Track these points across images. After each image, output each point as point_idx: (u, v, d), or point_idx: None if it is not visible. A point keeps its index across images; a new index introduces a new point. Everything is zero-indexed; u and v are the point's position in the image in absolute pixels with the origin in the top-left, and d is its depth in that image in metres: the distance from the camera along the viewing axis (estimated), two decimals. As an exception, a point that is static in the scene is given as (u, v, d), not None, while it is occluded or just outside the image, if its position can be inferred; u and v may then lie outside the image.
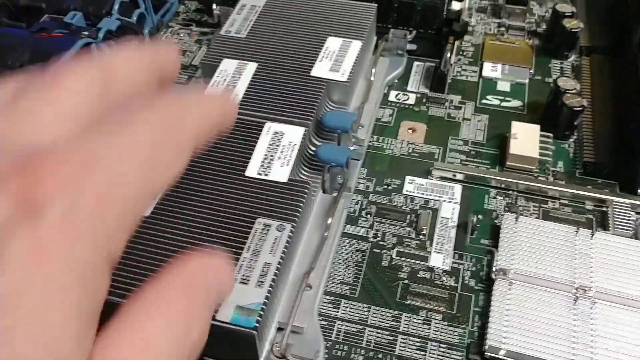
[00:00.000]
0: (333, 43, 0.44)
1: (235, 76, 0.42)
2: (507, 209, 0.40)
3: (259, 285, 0.31)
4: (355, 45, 0.44)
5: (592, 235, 0.37)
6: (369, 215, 0.40)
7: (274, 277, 0.31)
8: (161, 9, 0.55)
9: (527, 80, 0.49)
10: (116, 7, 0.48)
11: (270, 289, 0.31)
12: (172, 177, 0.21)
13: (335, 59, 0.43)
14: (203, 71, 0.44)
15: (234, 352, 0.31)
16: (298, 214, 0.34)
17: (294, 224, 0.33)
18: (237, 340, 0.30)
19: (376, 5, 0.48)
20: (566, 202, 0.41)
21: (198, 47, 0.53)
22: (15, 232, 0.16)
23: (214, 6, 0.52)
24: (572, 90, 0.43)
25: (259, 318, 0.30)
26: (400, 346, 0.34)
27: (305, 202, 0.35)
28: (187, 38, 0.54)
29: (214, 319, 0.29)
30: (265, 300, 0.30)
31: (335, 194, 0.39)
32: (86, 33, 0.45)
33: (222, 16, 0.52)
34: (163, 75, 0.25)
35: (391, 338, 0.34)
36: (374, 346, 0.34)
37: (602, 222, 0.39)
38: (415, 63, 0.51)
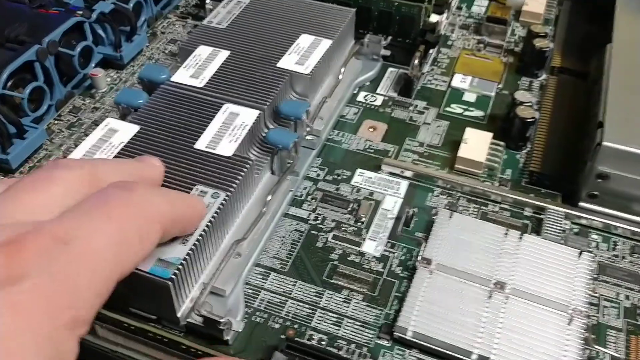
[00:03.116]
0: (305, 40, 0.47)
1: (207, 61, 0.45)
2: (447, 207, 0.42)
3: (183, 243, 0.33)
4: (325, 44, 0.47)
5: (521, 237, 0.38)
6: (313, 200, 0.42)
7: (199, 237, 0.33)
8: (162, 1, 0.59)
9: (493, 93, 0.51)
10: (113, -8, 0.52)
11: (193, 247, 0.33)
12: (140, 259, 0.25)
13: (303, 54, 0.46)
14: (181, 55, 0.47)
15: (154, 304, 0.34)
16: (234, 185, 0.36)
17: (228, 193, 0.36)
18: (154, 290, 0.32)
19: (354, 9, 0.50)
20: (507, 206, 0.42)
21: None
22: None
23: (207, 1, 0.56)
24: (527, 102, 0.45)
25: (176, 271, 0.32)
26: (317, 319, 0.35)
27: (244, 175, 0.37)
28: (181, 29, 0.58)
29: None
30: (186, 257, 0.32)
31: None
32: (80, 12, 0.49)
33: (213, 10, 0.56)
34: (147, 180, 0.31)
35: (310, 311, 0.36)
36: (292, 317, 0.35)
37: (537, 228, 0.41)
38: (390, 69, 0.53)
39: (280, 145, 0.40)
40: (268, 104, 0.42)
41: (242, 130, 0.40)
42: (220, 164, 0.37)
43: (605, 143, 0.38)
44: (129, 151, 0.38)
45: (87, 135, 0.46)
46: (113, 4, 0.51)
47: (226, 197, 0.35)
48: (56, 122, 0.48)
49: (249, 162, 0.38)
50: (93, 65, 0.51)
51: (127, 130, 0.39)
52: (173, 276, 0.32)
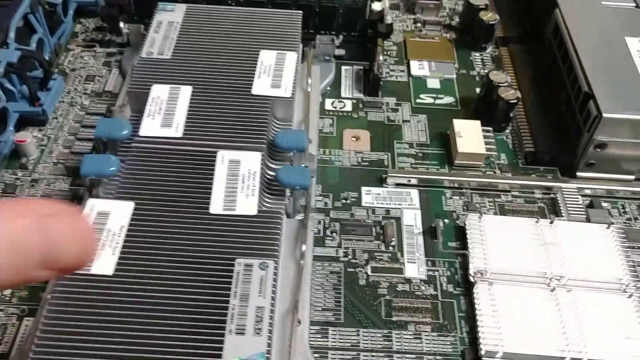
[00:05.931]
0: (267, 57, 0.42)
1: (171, 103, 0.39)
2: (465, 207, 0.41)
3: (257, 333, 0.29)
4: (291, 57, 0.42)
5: (552, 223, 0.38)
6: (334, 234, 0.39)
7: (270, 321, 0.29)
8: (56, 31, 0.50)
9: (454, 76, 0.50)
10: (12, 35, 0.42)
11: (269, 334, 0.29)
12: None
13: (274, 74, 0.41)
14: (131, 101, 0.40)
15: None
16: (277, 248, 0.32)
17: (275, 259, 0.31)
18: (245, 398, 0.28)
19: (301, 12, 0.46)
20: (516, 193, 0.42)
21: (107, 70, 0.49)
22: None
23: (122, 24, 0.48)
24: (504, 83, 0.45)
25: (266, 369, 0.27)
26: (398, 366, 0.33)
27: (281, 233, 0.33)
28: (93, 61, 0.49)
29: (216, 380, 0.27)
30: (268, 349, 0.28)
31: (298, 217, 0.37)
32: (-17, 69, 0.40)
33: (131, 34, 0.48)
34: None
35: (387, 359, 0.33)
36: (372, 371, 0.33)
37: (553, 208, 0.41)
38: (344, 68, 0.50)
39: (299, 185, 0.36)
40: (264, 140, 0.37)
41: (252, 179, 0.35)
42: (250, 226, 0.33)
43: (606, 115, 0.39)
44: (137, 237, 0.32)
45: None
46: (17, 49, 0.42)
47: (276, 265, 0.31)
48: (-8, 209, 0.39)
49: (280, 216, 0.33)
50: (11, 127, 0.42)
51: (120, 211, 0.33)
52: (266, 377, 0.27)
